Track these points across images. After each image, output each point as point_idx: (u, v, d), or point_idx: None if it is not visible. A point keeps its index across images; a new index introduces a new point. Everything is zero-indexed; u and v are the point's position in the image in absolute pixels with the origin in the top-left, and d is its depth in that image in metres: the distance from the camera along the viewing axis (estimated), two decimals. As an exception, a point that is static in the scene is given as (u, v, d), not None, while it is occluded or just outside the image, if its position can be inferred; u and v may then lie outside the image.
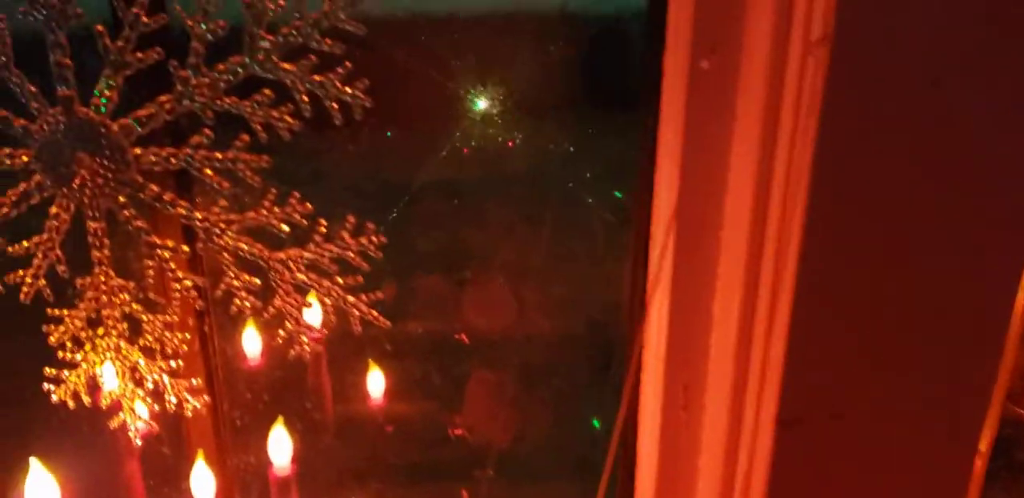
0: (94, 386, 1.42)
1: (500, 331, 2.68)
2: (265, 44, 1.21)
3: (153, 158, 1.29)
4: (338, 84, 1.23)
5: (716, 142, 1.31)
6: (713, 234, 1.36)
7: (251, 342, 1.92)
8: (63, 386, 1.42)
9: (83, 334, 1.39)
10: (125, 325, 1.39)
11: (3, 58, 1.24)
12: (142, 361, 1.40)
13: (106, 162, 1.28)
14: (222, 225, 1.31)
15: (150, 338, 1.39)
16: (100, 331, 1.40)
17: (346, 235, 1.31)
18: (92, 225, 1.32)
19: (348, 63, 1.22)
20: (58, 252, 1.34)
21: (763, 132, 1.24)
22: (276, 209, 1.30)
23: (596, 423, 2.49)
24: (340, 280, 1.33)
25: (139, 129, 1.27)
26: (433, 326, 2.58)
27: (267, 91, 1.24)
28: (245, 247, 1.31)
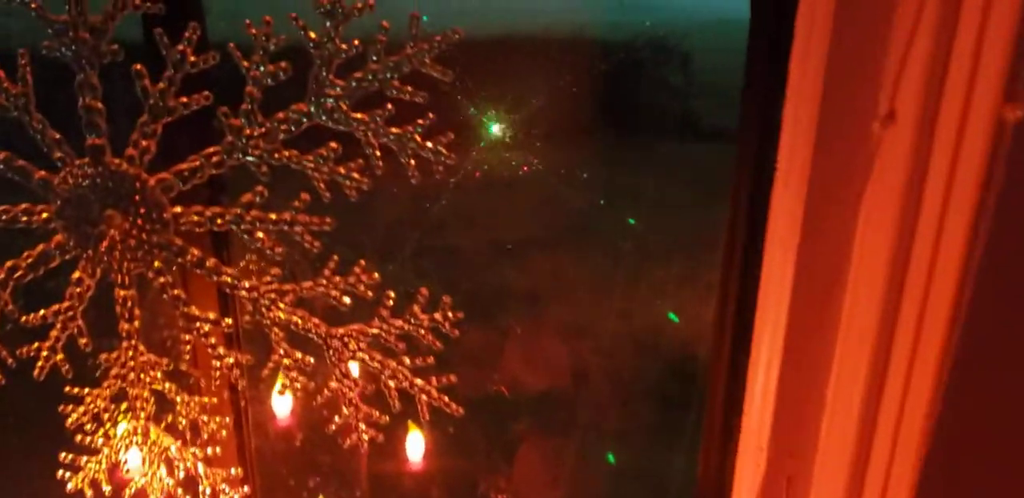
0: (116, 473, 1.22)
1: (548, 386, 2.49)
2: (335, 90, 1.02)
3: (195, 218, 1.09)
4: (418, 138, 1.03)
5: (843, 207, 1.11)
6: (835, 303, 1.17)
7: (281, 401, 1.72)
8: (80, 473, 1.22)
9: (106, 415, 1.19)
10: (153, 406, 1.18)
11: (23, 99, 1.04)
12: (174, 447, 1.20)
13: (140, 221, 1.08)
14: (273, 296, 1.11)
15: (183, 421, 1.19)
16: (125, 411, 1.20)
17: (417, 309, 1.11)
18: (121, 293, 1.12)
19: (432, 115, 1.03)
20: (80, 323, 1.14)
21: (904, 200, 1.04)
22: (337, 278, 1.10)
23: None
24: (407, 361, 1.13)
25: (180, 185, 1.07)
26: (475, 378, 2.39)
27: (334, 144, 1.05)
28: (300, 321, 1.12)
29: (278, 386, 1.13)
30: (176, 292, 1.12)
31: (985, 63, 0.88)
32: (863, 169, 1.07)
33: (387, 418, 1.17)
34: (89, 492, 1.23)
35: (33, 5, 1.00)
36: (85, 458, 1.21)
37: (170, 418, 1.23)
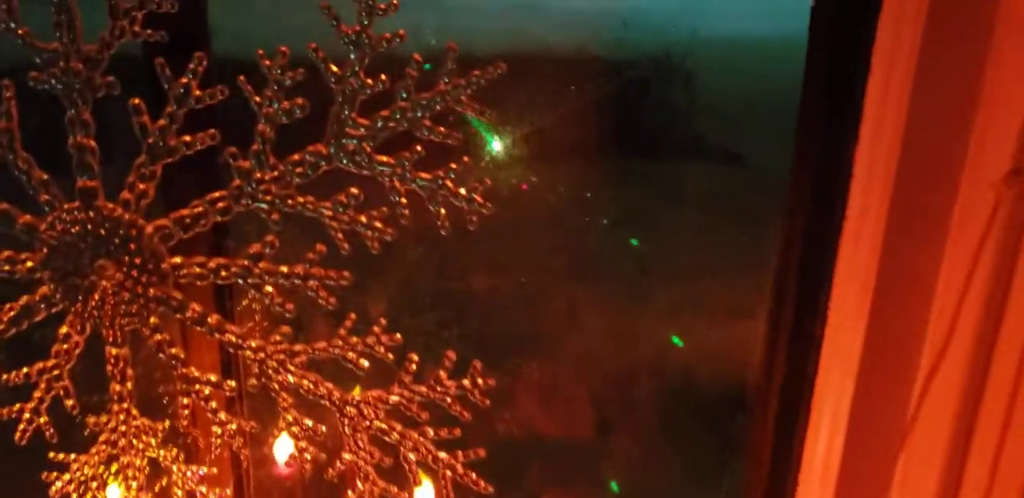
0: (103, 547, 1.09)
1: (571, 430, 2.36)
2: (358, 131, 0.90)
3: (197, 270, 0.97)
4: (450, 184, 0.91)
5: (925, 266, 0.99)
6: (907, 375, 1.05)
7: (282, 448, 1.59)
8: (63, 548, 1.09)
9: (94, 484, 1.06)
10: (146, 475, 1.06)
11: (7, 136, 0.92)
12: (168, 521, 1.07)
13: (134, 273, 0.96)
14: (282, 357, 0.98)
15: (179, 492, 1.06)
16: (116, 473, 1.07)
17: (443, 375, 0.98)
18: (112, 352, 0.99)
19: (468, 159, 0.91)
20: (66, 383, 1.02)
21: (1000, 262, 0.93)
22: (355, 339, 0.98)
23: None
24: (431, 432, 1.00)
25: (181, 233, 0.95)
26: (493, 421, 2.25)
27: (354, 190, 0.92)
28: (311, 386, 0.99)
29: (285, 457, 1.00)
30: (174, 351, 0.99)
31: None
32: (942, 228, 0.95)
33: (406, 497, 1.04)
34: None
35: (20, 31, 0.88)
36: (69, 531, 1.08)
37: (165, 482, 1.10)
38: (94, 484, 1.06)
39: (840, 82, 1.03)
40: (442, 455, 1.00)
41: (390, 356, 0.98)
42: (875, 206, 0.98)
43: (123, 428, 1.03)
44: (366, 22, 0.86)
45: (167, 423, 1.08)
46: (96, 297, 0.96)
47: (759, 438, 1.23)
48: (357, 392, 1.01)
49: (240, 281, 0.96)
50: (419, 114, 0.89)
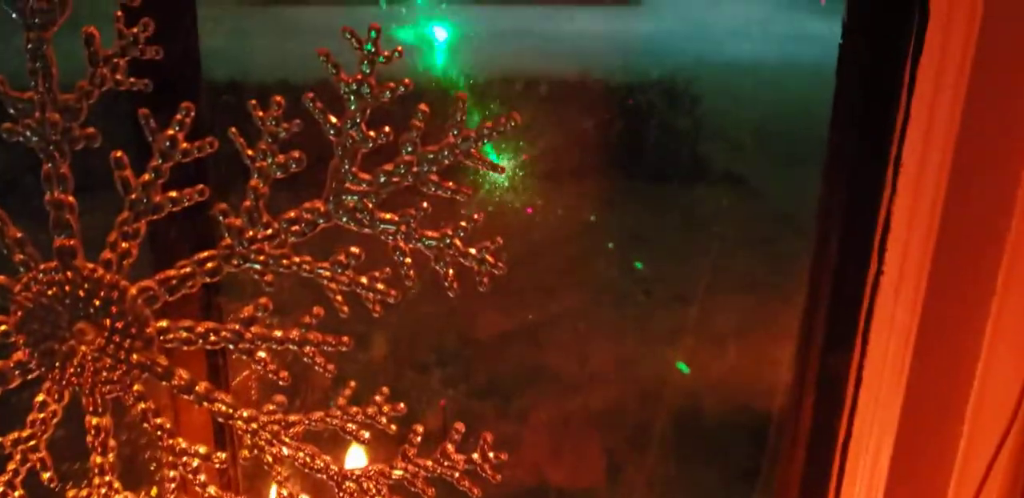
0: None
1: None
2: (359, 186, 0.82)
3: (184, 335, 0.88)
4: (459, 243, 0.83)
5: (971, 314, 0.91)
6: (950, 437, 0.96)
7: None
8: None
9: (71, 563, 0.97)
10: (130, 552, 0.97)
11: (-22, 192, 0.84)
12: None
13: (116, 338, 0.88)
14: (276, 428, 0.90)
15: (164, 572, 0.97)
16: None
17: (450, 448, 0.90)
18: (93, 421, 0.91)
19: (479, 216, 0.83)
20: (43, 454, 0.93)
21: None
22: (355, 409, 0.89)
23: None
24: (438, 506, 0.92)
25: (166, 296, 0.87)
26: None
27: (355, 250, 0.85)
28: (307, 459, 0.90)
29: (280, 536, 0.91)
30: (159, 421, 0.91)
31: None
32: (990, 274, 0.87)
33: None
34: None
35: (-9, 79, 0.81)
36: None
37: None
38: (73, 562, 0.97)
39: (873, 129, 0.96)
40: (449, 534, 0.92)
41: (392, 428, 0.89)
42: (915, 258, 0.90)
43: (104, 503, 0.94)
44: (368, 71, 0.78)
45: (154, 492, 1.00)
46: (75, 363, 0.88)
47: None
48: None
49: (231, 347, 0.88)
50: (425, 169, 0.81)
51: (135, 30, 0.79)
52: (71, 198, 0.85)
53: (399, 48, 0.78)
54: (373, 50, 0.77)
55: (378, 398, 0.89)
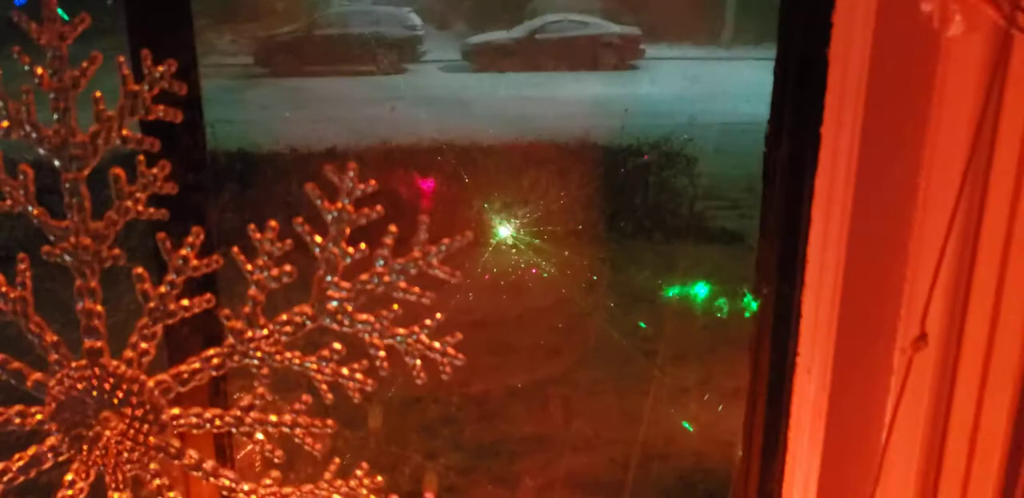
0: None
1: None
2: (340, 293, 0.98)
3: (194, 420, 1.04)
4: (424, 339, 0.99)
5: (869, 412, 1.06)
6: None
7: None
8: None
9: None
10: None
11: (21, 303, 1.01)
12: None
13: (136, 424, 1.03)
14: (273, 500, 1.04)
15: None
16: None
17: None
18: (114, 496, 1.06)
19: (439, 314, 0.99)
20: (71, 527, 1.08)
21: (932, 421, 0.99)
22: (339, 482, 1.04)
23: None
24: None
25: (179, 387, 1.03)
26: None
27: (337, 345, 1.00)
28: (300, 527, 1.05)
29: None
30: (172, 494, 1.06)
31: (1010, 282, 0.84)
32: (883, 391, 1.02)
33: None
34: None
35: (35, 212, 0.98)
36: None
37: None
38: None
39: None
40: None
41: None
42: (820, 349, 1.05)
43: (123, 568, 1.08)
44: (347, 201, 0.95)
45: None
46: (100, 446, 1.03)
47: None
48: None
49: (233, 430, 1.03)
50: (395, 278, 0.97)
51: (155, 170, 0.96)
52: (99, 307, 1.01)
53: (372, 181, 0.95)
54: (351, 185, 0.94)
55: (359, 472, 1.04)
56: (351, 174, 0.94)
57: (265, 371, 1.01)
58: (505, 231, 4.71)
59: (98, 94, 0.94)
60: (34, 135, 0.95)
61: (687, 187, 5.89)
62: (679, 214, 5.78)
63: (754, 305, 1.22)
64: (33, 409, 1.05)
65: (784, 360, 1.14)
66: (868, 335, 1.00)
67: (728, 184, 6.05)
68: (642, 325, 4.46)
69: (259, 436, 1.03)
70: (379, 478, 1.04)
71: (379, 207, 0.96)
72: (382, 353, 1.00)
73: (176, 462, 1.05)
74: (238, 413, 1.03)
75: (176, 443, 1.05)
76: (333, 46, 7.69)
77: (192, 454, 1.05)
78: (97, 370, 1.02)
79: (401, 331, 0.99)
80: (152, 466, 1.05)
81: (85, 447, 1.04)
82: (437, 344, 0.99)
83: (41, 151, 0.96)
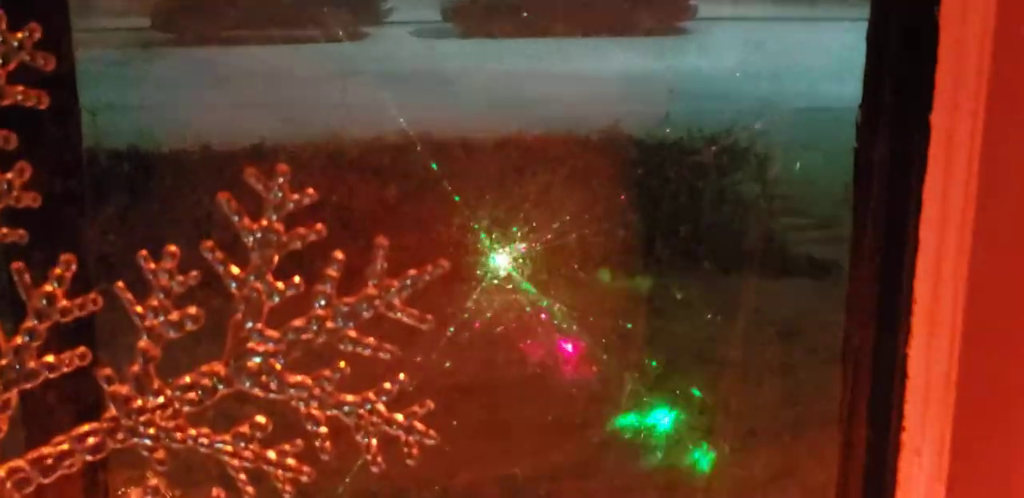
0: None
1: None
2: (265, 345, 1.00)
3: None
4: (381, 409, 1.00)
5: None
6: None
7: None
8: None
9: None
10: None
11: None
12: None
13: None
14: None
15: None
16: None
17: None
18: None
19: (403, 375, 1.01)
20: None
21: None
22: None
23: None
24: None
25: (40, 478, 1.04)
26: None
27: (261, 420, 1.02)
28: None
29: None
30: None
31: None
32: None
33: None
34: None
35: None
36: None
37: None
38: None
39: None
40: None
41: None
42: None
43: None
44: (274, 217, 0.97)
45: None
46: (-72, 560, 1.04)
47: None
48: None
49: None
50: (342, 324, 0.99)
51: (9, 176, 0.99)
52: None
53: (310, 190, 0.98)
54: (282, 195, 0.96)
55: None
56: (281, 180, 0.96)
57: (160, 454, 1.03)
58: (501, 260, 4.69)
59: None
60: None
61: (758, 198, 5.82)
62: (747, 237, 5.69)
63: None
64: None
65: (886, 439, 1.15)
66: (999, 402, 1.02)
67: (815, 194, 5.97)
68: (696, 393, 4.42)
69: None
70: None
71: (319, 226, 0.98)
72: (323, 429, 1.01)
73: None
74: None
75: (34, 555, 1.06)
76: (261, 1, 7.74)
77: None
78: (-75, 454, 1.04)
79: (350, 398, 1.01)
80: (1, 588, 1.06)
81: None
82: (400, 417, 1.01)
83: None
